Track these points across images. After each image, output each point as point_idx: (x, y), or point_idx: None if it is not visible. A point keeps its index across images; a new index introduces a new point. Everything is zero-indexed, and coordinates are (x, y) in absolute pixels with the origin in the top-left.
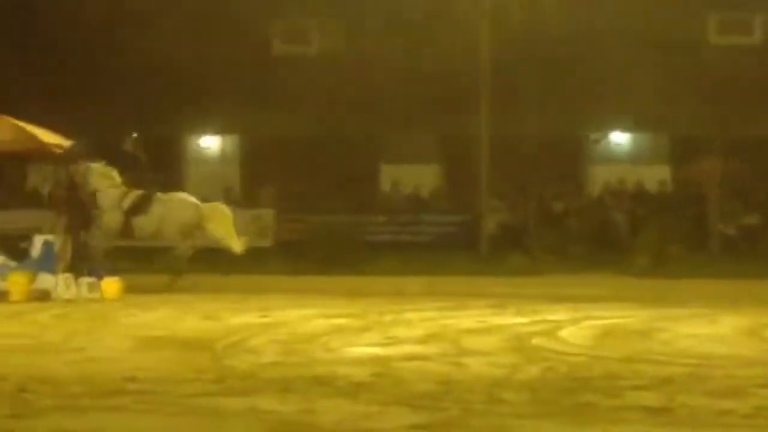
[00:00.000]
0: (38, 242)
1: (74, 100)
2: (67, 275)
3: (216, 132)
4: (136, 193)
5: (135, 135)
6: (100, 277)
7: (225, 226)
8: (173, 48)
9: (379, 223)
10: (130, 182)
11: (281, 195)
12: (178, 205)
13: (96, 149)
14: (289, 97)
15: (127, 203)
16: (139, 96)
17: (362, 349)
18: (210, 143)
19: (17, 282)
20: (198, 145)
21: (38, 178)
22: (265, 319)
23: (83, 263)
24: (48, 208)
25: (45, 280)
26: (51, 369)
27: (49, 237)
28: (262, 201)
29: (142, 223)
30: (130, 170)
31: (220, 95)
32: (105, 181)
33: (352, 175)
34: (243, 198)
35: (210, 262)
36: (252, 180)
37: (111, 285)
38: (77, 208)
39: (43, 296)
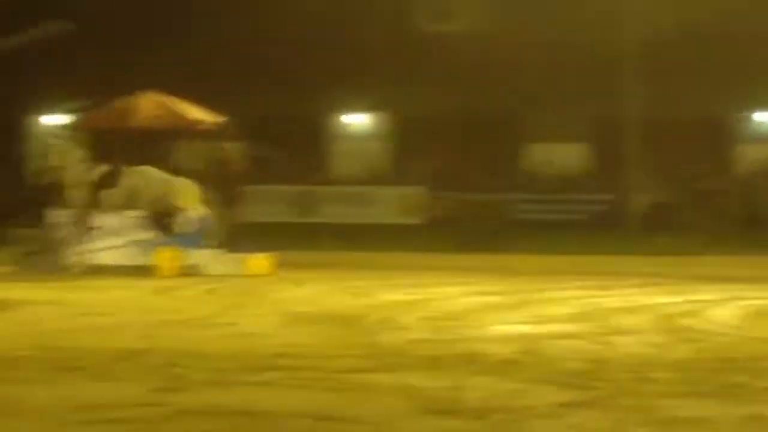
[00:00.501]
0: (188, 218)
1: (225, 80)
2: (216, 251)
3: (365, 110)
4: (103, 168)
5: None
6: (249, 253)
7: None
8: (322, 27)
9: (526, 202)
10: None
11: (430, 173)
12: (147, 179)
13: (244, 127)
14: (438, 75)
15: (95, 176)
16: (287, 75)
17: (511, 326)
18: (359, 121)
19: (167, 257)
20: (346, 123)
21: (186, 155)
22: (414, 296)
23: (232, 239)
24: (198, 184)
25: (194, 256)
26: (200, 344)
27: (199, 213)
28: (411, 178)
29: (111, 196)
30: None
31: (370, 73)
32: (70, 158)
33: (499, 153)
34: (392, 175)
35: (354, 239)
36: (401, 158)
37: (260, 261)
38: (225, 184)
39: (193, 271)
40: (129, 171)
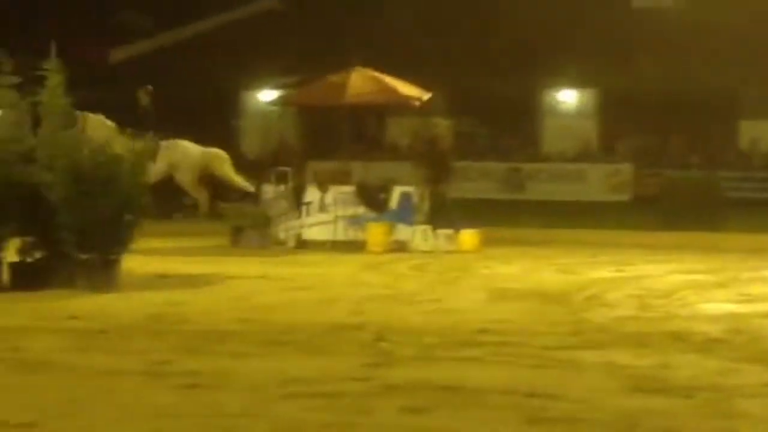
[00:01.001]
0: (397, 194)
1: (433, 56)
2: (425, 227)
3: (575, 86)
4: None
5: (149, 87)
6: (457, 230)
7: (229, 169)
8: (533, 4)
9: (737, 180)
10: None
11: (639, 149)
12: (184, 151)
13: (452, 104)
14: (647, 51)
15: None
16: (496, 52)
17: (718, 305)
18: (567, 97)
19: (376, 233)
20: (555, 99)
21: (397, 131)
22: (621, 274)
23: (441, 215)
24: (407, 160)
25: (403, 232)
26: (407, 319)
27: (408, 189)
28: (619, 155)
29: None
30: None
31: (580, 50)
32: (104, 132)
33: (711, 129)
34: (600, 152)
35: (561, 216)
36: (609, 134)
37: (468, 237)
38: (435, 161)
39: (401, 247)
40: (166, 145)
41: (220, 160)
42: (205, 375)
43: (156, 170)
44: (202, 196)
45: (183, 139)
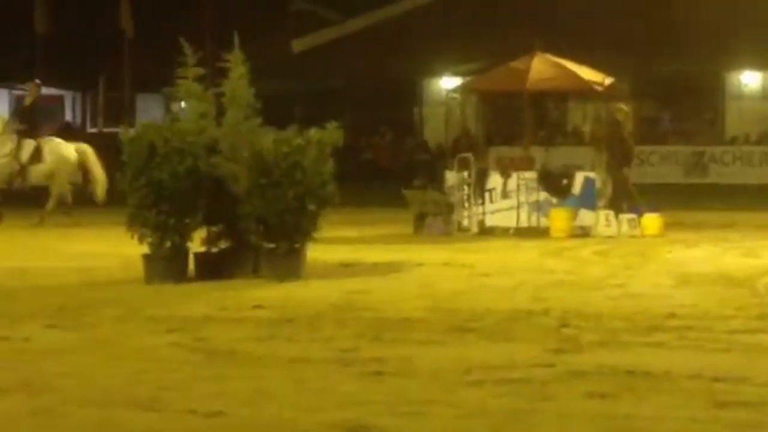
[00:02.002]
0: (579, 179)
1: (612, 41)
2: (608, 212)
3: (758, 68)
4: (30, 143)
5: (38, 81)
6: (640, 214)
7: (96, 164)
8: None
9: None
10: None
11: None
12: (64, 150)
13: (634, 88)
14: None
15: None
16: (678, 35)
17: None
18: (751, 80)
19: (559, 218)
20: (739, 82)
21: (579, 116)
22: None
23: (623, 200)
24: (589, 146)
25: (586, 217)
26: (592, 305)
27: (591, 174)
28: None
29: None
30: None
31: (763, 31)
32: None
33: None
34: None
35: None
36: None
37: (651, 221)
38: (617, 146)
39: (584, 233)
40: (46, 144)
41: (91, 156)
42: (390, 362)
43: (40, 171)
44: (64, 193)
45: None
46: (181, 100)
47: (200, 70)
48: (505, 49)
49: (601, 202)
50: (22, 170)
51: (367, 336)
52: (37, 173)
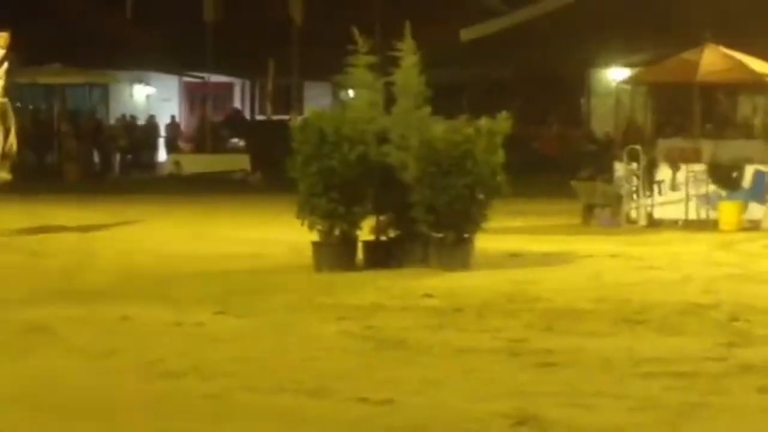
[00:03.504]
0: (749, 172)
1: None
2: None
3: None
4: None
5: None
6: None
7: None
8: None
9: None
10: None
11: None
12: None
13: None
14: None
15: None
16: None
17: None
18: None
19: (727, 211)
20: None
21: (749, 108)
22: None
23: None
24: (759, 138)
25: (756, 210)
26: (762, 299)
27: (761, 167)
28: None
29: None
30: None
31: None
32: None
33: None
34: None
35: None
36: None
37: None
38: None
39: (754, 226)
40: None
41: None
42: (559, 353)
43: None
44: None
45: None
46: (349, 88)
47: (372, 59)
48: (672, 40)
49: None
50: None
51: (537, 326)
52: None
